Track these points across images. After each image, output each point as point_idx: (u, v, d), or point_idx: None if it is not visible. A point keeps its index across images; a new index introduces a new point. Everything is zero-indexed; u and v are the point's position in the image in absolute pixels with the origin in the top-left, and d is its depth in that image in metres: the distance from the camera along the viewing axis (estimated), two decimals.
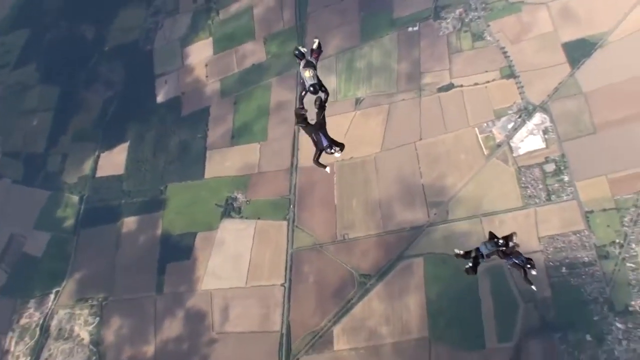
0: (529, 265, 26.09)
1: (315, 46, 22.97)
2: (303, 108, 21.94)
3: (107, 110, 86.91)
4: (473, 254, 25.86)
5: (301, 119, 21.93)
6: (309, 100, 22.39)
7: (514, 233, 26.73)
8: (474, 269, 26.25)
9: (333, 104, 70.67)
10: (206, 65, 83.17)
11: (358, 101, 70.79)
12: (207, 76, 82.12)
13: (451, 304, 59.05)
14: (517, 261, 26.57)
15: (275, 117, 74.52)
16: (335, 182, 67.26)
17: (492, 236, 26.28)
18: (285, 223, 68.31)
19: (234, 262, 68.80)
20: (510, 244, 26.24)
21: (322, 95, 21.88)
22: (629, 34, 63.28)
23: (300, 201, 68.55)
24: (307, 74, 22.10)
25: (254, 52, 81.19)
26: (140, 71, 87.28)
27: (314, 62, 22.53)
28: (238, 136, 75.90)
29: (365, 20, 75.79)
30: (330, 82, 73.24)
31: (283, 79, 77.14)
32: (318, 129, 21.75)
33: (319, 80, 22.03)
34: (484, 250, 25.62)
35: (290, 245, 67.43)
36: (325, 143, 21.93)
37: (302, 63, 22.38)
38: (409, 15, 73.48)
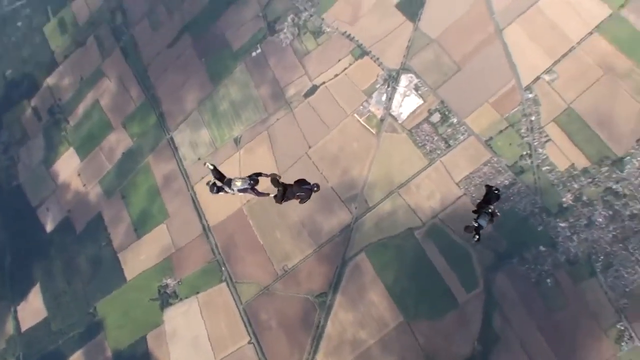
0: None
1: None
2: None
3: (3, 263, 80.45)
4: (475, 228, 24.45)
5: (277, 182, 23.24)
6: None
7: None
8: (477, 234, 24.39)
9: (215, 153, 69.37)
10: (79, 175, 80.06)
11: (237, 140, 69.28)
12: (84, 185, 78.42)
13: (410, 281, 58.79)
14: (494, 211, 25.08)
15: (167, 192, 72.06)
16: (251, 224, 65.34)
17: (487, 191, 25.08)
18: (224, 285, 66.49)
19: (194, 345, 66.15)
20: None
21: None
22: None
23: (228, 258, 66.66)
24: (238, 183, 23.11)
25: (119, 141, 78.18)
26: (18, 210, 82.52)
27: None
28: (141, 226, 72.75)
29: (209, 65, 75.19)
30: (202, 136, 72.14)
31: (157, 153, 74.35)
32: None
33: (251, 176, 23.32)
34: (484, 223, 24.44)
35: (239, 302, 65.39)
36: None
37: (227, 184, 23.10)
38: (247, 42, 73.25)
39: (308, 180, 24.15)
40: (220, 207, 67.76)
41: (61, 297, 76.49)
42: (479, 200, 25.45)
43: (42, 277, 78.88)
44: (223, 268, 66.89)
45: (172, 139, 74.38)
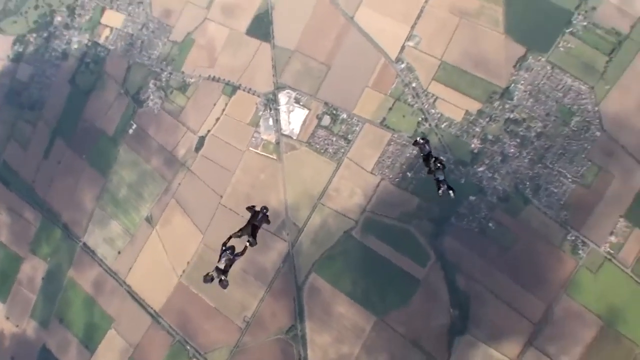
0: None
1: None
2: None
3: None
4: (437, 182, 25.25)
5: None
6: None
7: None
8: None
9: (133, 241, 67.27)
10: (7, 318, 76.70)
11: (149, 219, 66.73)
12: (17, 325, 75.65)
13: (367, 280, 58.39)
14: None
15: (102, 297, 71.48)
16: (196, 292, 63.27)
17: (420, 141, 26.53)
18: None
19: None
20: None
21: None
22: None
23: (188, 333, 64.67)
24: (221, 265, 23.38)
25: (34, 269, 76.10)
26: None
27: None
28: (90, 341, 71.60)
29: (91, 159, 72.41)
30: (114, 229, 70.27)
31: (77, 264, 73.72)
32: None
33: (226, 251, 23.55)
34: (441, 176, 25.29)
35: None
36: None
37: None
38: (120, 123, 71.50)
39: (254, 207, 24.40)
40: (158, 289, 65.13)
41: None
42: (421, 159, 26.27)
43: None
44: (187, 346, 63.89)
45: (85, 244, 70.87)
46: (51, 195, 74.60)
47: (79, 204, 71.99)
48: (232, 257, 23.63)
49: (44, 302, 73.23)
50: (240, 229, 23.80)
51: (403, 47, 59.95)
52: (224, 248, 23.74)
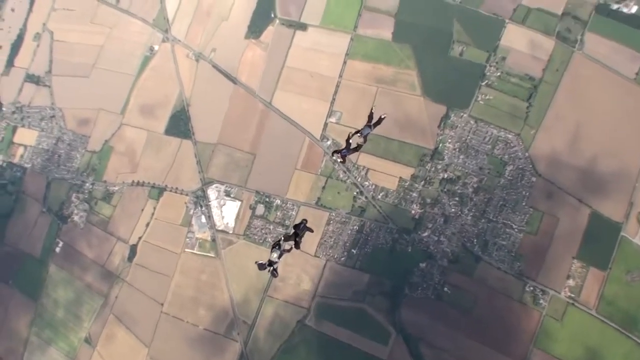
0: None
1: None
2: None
3: None
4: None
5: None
6: None
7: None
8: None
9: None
10: None
11: (88, 340, 62.43)
12: None
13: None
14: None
15: None
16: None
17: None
18: None
19: None
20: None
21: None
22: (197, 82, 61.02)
23: None
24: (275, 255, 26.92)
25: None
26: None
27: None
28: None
29: (19, 284, 66.66)
30: (53, 355, 63.98)
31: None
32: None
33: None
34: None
35: None
36: None
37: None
38: (45, 242, 65.53)
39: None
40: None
41: None
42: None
43: None
44: None
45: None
46: None
47: (11, 332, 64.32)
48: (281, 251, 26.74)
49: None
50: (285, 238, 26.86)
51: (326, 125, 56.96)
52: (274, 247, 26.74)
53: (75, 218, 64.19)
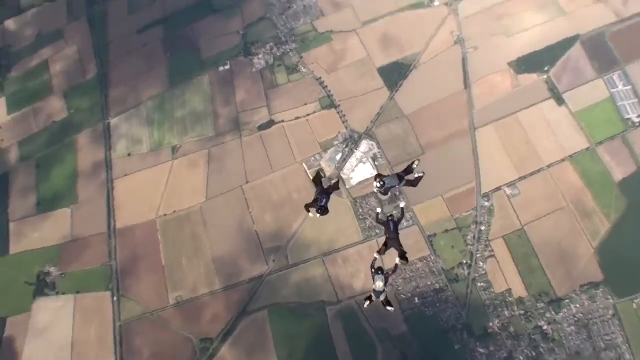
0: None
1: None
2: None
3: None
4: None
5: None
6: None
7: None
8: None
9: (147, 155, 58.90)
10: (0, 128, 65.88)
11: (175, 149, 59.00)
12: (2, 140, 65.14)
13: (304, 357, 47.75)
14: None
15: (84, 177, 60.53)
16: (160, 240, 54.31)
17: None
18: (108, 294, 55.36)
19: (54, 346, 54.29)
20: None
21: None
22: (440, 52, 57.50)
23: (123, 267, 55.73)
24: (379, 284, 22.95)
25: (54, 109, 66.10)
26: None
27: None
28: (45, 203, 60.83)
29: (172, 62, 65.17)
30: (141, 133, 62.41)
31: (89, 135, 63.07)
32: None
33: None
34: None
35: (118, 317, 54.36)
36: None
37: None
38: (218, 54, 63.95)
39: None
40: (134, 211, 56.90)
41: None
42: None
43: None
44: (114, 276, 55.34)
45: (108, 125, 62.66)
46: (117, 64, 68.10)
47: (132, 90, 64.79)
48: (385, 276, 23.15)
49: (38, 141, 66.43)
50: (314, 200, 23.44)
51: (498, 189, 51.89)
52: (373, 270, 23.49)
53: (255, 60, 62.77)
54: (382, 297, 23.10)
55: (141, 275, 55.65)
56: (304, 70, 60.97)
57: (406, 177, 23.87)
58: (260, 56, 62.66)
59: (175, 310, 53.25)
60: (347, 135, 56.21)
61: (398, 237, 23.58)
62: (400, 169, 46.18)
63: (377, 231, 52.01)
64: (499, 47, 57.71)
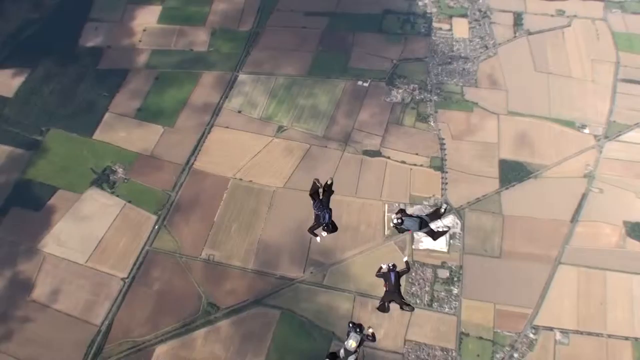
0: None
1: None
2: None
3: (24, 30, 70.64)
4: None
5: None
6: None
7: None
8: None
9: (252, 121, 62.03)
10: (144, 30, 70.04)
11: (280, 129, 59.84)
12: (140, 41, 68.17)
13: None
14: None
15: (190, 109, 62.43)
16: (223, 198, 54.77)
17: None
18: (154, 218, 56.43)
19: (83, 234, 55.55)
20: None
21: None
22: (566, 177, 55.52)
23: (179, 203, 56.52)
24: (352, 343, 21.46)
25: (197, 39, 68.48)
26: (75, 7, 72.28)
27: None
28: (145, 112, 63.03)
29: (320, 55, 66.63)
30: (259, 100, 64.33)
31: (214, 76, 66.30)
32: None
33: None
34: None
35: (150, 242, 55.06)
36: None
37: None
38: (363, 69, 65.07)
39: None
40: (216, 161, 57.96)
41: (35, 97, 66.25)
42: None
43: (37, 68, 68.56)
44: (167, 206, 56.07)
45: (235, 77, 64.26)
46: (271, 31, 71.38)
47: (274, 58, 67.18)
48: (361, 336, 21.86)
49: (170, 58, 69.47)
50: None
51: (551, 329, 50.13)
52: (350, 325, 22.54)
53: (393, 92, 64.39)
54: (350, 359, 21.71)
55: (190, 219, 56.22)
56: (432, 124, 60.78)
57: (430, 225, 22.90)
58: (400, 91, 62.89)
59: (203, 265, 53.35)
60: (439, 201, 55.03)
61: (399, 291, 22.85)
62: (468, 261, 45.37)
63: (418, 300, 50.29)
64: (623, 202, 55.36)
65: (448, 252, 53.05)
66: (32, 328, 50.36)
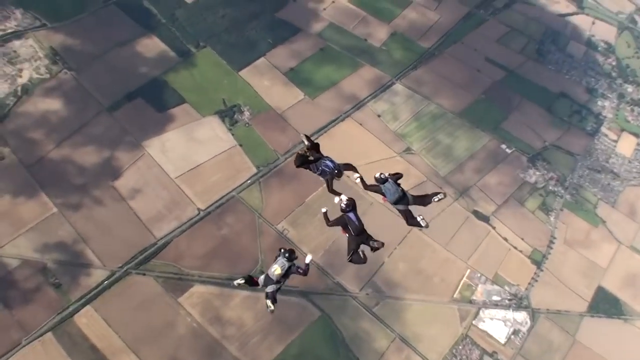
0: None
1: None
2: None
3: None
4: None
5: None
6: None
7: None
8: None
9: (386, 130, 61.88)
10: (333, 2, 70.57)
11: (408, 150, 59.98)
12: (324, 9, 70.35)
13: None
14: None
15: (336, 91, 63.94)
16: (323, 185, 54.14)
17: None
18: (254, 170, 57.22)
19: (186, 153, 57.11)
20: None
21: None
22: None
23: (282, 169, 56.41)
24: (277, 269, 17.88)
25: (375, 33, 70.93)
26: None
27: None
28: (296, 74, 63.64)
29: (480, 102, 65.36)
30: (403, 115, 63.92)
31: (368, 73, 67.03)
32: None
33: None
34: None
35: (239, 190, 55.72)
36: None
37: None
38: (513, 137, 62.98)
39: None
40: (335, 149, 56.66)
41: (208, 13, 68.45)
42: None
43: None
44: (270, 166, 58.05)
45: (391, 84, 65.65)
46: (446, 58, 70.53)
47: (432, 84, 66.11)
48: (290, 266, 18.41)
49: (345, 40, 69.32)
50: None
51: None
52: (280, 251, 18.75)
53: (530, 171, 61.64)
54: (269, 289, 17.92)
55: (285, 188, 56.62)
56: (552, 219, 58.39)
57: (413, 202, 18.33)
58: (538, 173, 60.82)
59: (275, 235, 53.49)
60: (520, 294, 52.76)
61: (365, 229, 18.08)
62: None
63: None
64: None
65: (504, 344, 50.81)
66: (100, 210, 52.31)
